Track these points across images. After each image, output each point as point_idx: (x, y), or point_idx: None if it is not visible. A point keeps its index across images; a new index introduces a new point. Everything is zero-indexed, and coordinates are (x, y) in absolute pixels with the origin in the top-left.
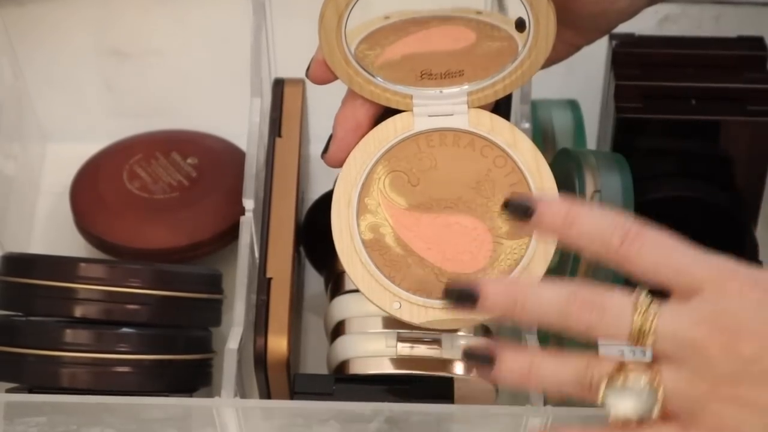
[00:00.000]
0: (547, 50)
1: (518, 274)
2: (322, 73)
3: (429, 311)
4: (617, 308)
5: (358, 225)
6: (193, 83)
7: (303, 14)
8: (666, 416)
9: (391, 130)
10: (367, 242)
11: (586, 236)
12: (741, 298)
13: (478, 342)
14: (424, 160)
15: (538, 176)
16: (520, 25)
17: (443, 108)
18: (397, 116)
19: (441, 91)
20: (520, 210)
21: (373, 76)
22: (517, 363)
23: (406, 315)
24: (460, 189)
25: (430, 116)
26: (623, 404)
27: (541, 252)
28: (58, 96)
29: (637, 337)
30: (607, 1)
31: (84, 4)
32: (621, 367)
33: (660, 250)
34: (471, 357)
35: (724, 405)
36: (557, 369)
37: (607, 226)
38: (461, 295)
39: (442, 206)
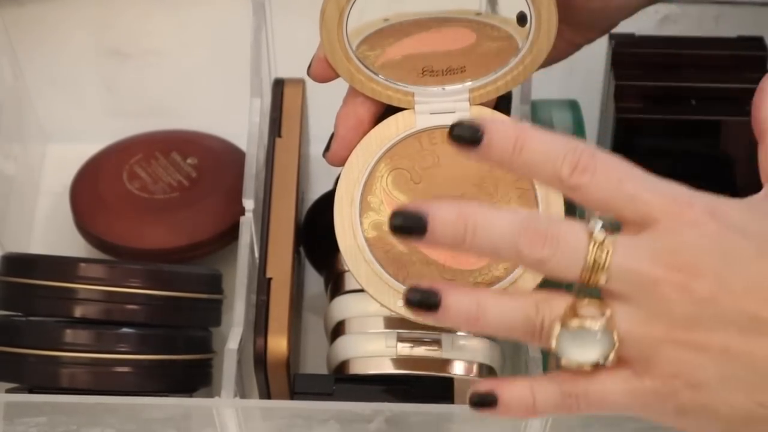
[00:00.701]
0: (548, 45)
1: (523, 271)
2: (323, 70)
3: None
4: (572, 242)
5: (361, 223)
6: (193, 83)
7: (303, 14)
8: (619, 361)
9: (393, 128)
10: (371, 240)
11: (536, 164)
12: (697, 231)
13: (421, 282)
14: (427, 158)
15: None
16: (522, 19)
17: (445, 105)
18: (399, 114)
19: (443, 89)
20: (466, 134)
21: (374, 73)
22: (463, 304)
23: (410, 312)
24: (463, 186)
25: (432, 114)
26: (577, 351)
27: None
28: (58, 96)
29: (590, 274)
30: None
31: (84, 4)
32: (573, 308)
33: (612, 178)
34: (414, 298)
35: (679, 350)
36: (504, 310)
37: (557, 152)
38: (409, 224)
39: None
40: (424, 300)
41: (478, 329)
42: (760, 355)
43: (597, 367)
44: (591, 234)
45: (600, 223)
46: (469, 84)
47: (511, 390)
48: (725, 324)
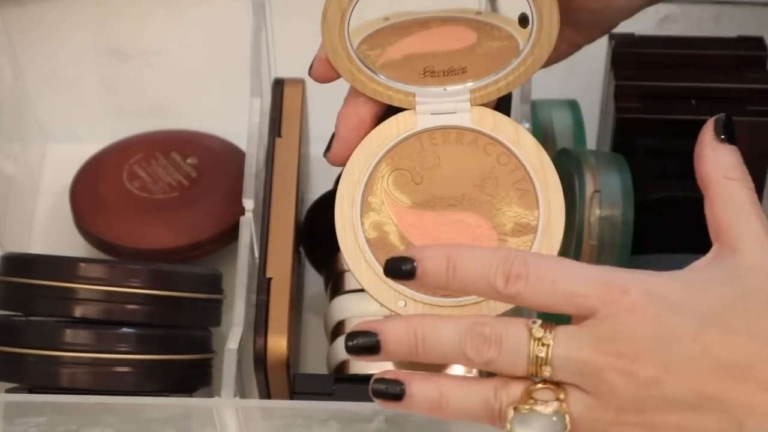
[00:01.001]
0: (550, 46)
1: None
2: (324, 71)
3: (434, 309)
4: (513, 341)
5: (362, 224)
6: (193, 83)
7: (303, 14)
8: None
9: (394, 128)
10: (372, 241)
11: (471, 283)
12: (636, 317)
13: (386, 374)
14: (428, 158)
15: (542, 173)
16: (524, 20)
17: (446, 106)
18: (400, 114)
19: (444, 89)
20: (398, 269)
21: (375, 74)
22: (426, 391)
23: (411, 313)
24: (464, 187)
25: (433, 114)
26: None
27: (545, 249)
28: (58, 96)
29: (535, 369)
30: None
31: (84, 4)
32: (529, 392)
33: (546, 281)
34: (379, 389)
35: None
36: (465, 396)
37: (489, 267)
38: (363, 344)
39: (446, 204)
40: (389, 390)
41: (441, 415)
42: (711, 431)
43: None
44: (530, 330)
45: (539, 321)
46: (470, 84)
47: None
48: (674, 404)
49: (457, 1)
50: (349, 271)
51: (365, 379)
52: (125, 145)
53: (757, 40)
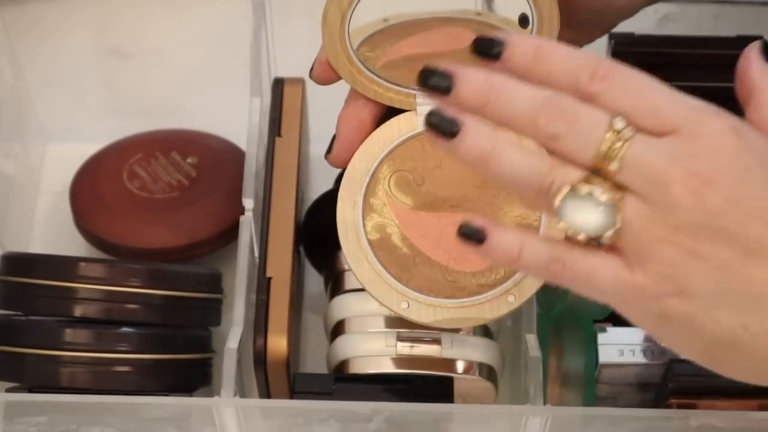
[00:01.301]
0: None
1: (525, 273)
2: (325, 73)
3: (437, 310)
4: (590, 122)
5: (364, 225)
6: (193, 83)
7: (303, 14)
8: (614, 248)
9: (395, 130)
10: (374, 242)
11: (555, 73)
12: (720, 142)
13: (444, 109)
14: (429, 160)
15: None
16: (524, 21)
17: None
18: (401, 116)
19: None
20: (487, 48)
21: (376, 75)
22: (481, 138)
23: (414, 314)
24: (465, 187)
25: None
26: (578, 216)
27: None
28: (58, 96)
29: (603, 160)
30: None
31: (84, 4)
32: (587, 178)
33: (632, 87)
34: (434, 120)
35: (678, 253)
36: (519, 159)
37: (577, 62)
38: (436, 81)
39: (448, 205)
40: (443, 125)
41: (487, 169)
42: (757, 279)
43: (592, 244)
44: (611, 123)
45: (623, 120)
46: None
47: (502, 235)
48: (729, 240)
49: (456, 2)
50: (349, 270)
51: (365, 378)
52: (125, 144)
53: (757, 40)
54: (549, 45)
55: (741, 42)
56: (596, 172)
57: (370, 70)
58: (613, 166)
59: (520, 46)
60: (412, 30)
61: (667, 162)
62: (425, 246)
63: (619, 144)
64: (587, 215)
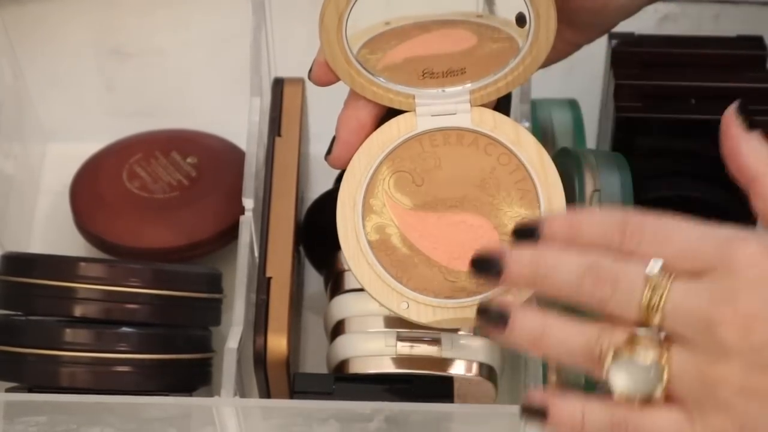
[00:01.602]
0: (548, 46)
1: None
2: (324, 74)
3: (437, 311)
4: (629, 281)
5: (364, 226)
6: (193, 83)
7: (302, 14)
8: (671, 399)
9: (394, 130)
10: (374, 243)
11: (592, 240)
12: (755, 272)
13: (493, 299)
14: (428, 160)
15: (543, 173)
16: (521, 20)
17: (446, 107)
18: (401, 117)
19: (443, 90)
20: (528, 233)
21: (375, 76)
22: (530, 323)
23: (414, 315)
24: (465, 188)
25: (433, 116)
26: (625, 380)
27: None
28: (58, 96)
29: (647, 315)
30: None
31: (84, 4)
32: (632, 338)
33: (660, 237)
34: (485, 315)
35: (734, 394)
36: (569, 335)
37: (607, 226)
38: (485, 267)
39: (448, 205)
40: (494, 317)
41: (540, 349)
42: None
43: (648, 401)
44: (648, 276)
45: (659, 264)
46: (469, 85)
47: (562, 406)
48: None
49: (457, 4)
50: (349, 270)
51: (365, 378)
52: (125, 144)
53: (757, 40)
54: (579, 215)
55: (741, 42)
56: (643, 326)
57: (368, 72)
58: (656, 319)
59: (556, 222)
60: (412, 32)
61: (708, 304)
62: (425, 246)
63: (657, 296)
64: (634, 378)
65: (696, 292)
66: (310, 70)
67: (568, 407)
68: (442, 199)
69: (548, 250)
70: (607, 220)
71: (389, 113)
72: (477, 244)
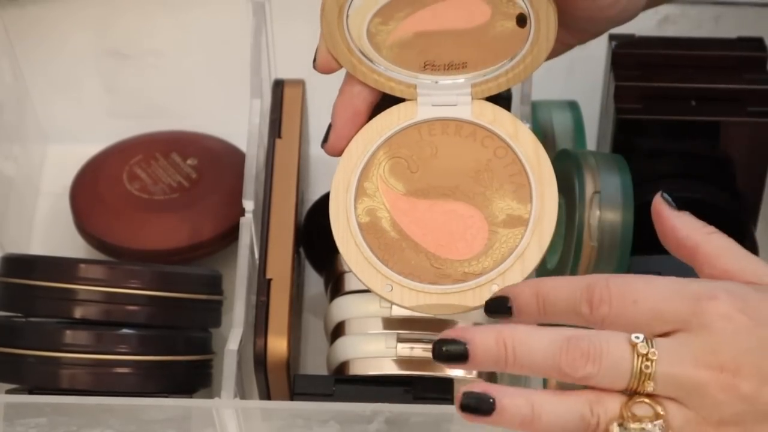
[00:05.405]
0: (548, 47)
1: (512, 263)
2: (327, 62)
3: (420, 295)
4: (614, 356)
5: (355, 208)
6: (193, 84)
7: (303, 15)
8: None
9: (394, 117)
10: (363, 225)
11: (561, 314)
12: (730, 325)
13: (474, 387)
14: (425, 148)
15: (538, 168)
16: (521, 20)
17: (447, 98)
18: (401, 104)
19: (445, 81)
20: (499, 308)
21: (376, 65)
22: (517, 406)
23: (397, 298)
24: (459, 177)
25: (433, 105)
26: None
27: (535, 241)
28: (58, 96)
29: (638, 384)
30: (595, 6)
31: (84, 5)
32: (627, 407)
33: (628, 301)
34: (469, 408)
35: None
36: (560, 411)
37: (573, 296)
38: (450, 353)
39: (440, 193)
40: (479, 405)
41: (534, 429)
42: None
43: None
44: (634, 346)
45: (642, 336)
46: (471, 78)
47: None
48: None
49: None
50: (349, 272)
51: (365, 380)
52: (125, 146)
53: (757, 41)
54: (544, 285)
55: (741, 44)
56: (634, 393)
57: (370, 60)
58: (649, 387)
59: (521, 295)
60: (426, 0)
61: (692, 366)
62: (414, 232)
63: (648, 365)
64: None
65: (679, 356)
66: (314, 59)
67: None
68: (435, 187)
69: (515, 329)
70: (572, 287)
71: (384, 100)
72: (466, 234)
